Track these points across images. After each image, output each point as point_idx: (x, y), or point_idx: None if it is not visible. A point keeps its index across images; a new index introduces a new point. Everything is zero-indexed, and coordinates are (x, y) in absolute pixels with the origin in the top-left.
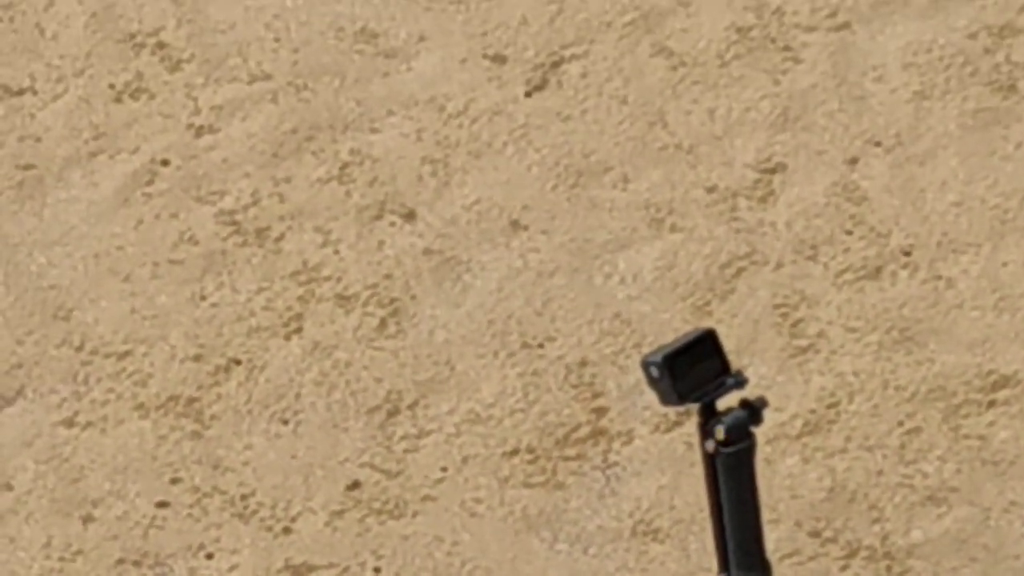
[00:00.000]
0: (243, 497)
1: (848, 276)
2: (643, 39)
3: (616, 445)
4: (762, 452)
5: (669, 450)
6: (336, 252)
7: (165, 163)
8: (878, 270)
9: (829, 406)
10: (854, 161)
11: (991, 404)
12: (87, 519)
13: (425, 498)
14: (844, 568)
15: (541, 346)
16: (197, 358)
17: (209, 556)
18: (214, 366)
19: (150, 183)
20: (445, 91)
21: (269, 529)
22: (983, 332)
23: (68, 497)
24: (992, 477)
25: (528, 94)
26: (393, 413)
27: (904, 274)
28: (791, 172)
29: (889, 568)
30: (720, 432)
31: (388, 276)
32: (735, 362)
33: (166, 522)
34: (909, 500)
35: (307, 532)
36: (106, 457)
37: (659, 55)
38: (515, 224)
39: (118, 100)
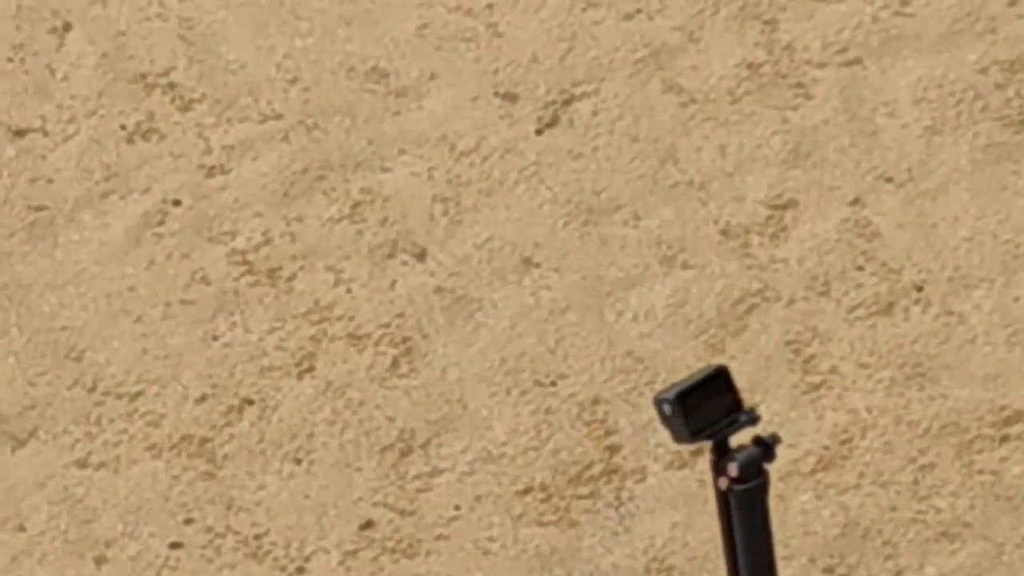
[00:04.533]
0: (256, 537)
1: (860, 312)
2: (654, 76)
3: (629, 483)
4: (775, 489)
5: (682, 487)
6: (348, 291)
7: (177, 203)
8: (890, 306)
9: (842, 442)
10: (866, 197)
11: (1004, 439)
12: (100, 560)
13: (438, 537)
14: None
15: (554, 384)
16: (210, 398)
17: None
18: (227, 406)
19: (161, 223)
20: (456, 129)
21: (283, 569)
22: (996, 367)
23: (81, 538)
24: (1006, 512)
25: (539, 132)
26: (406, 452)
27: (916, 310)
28: (802, 208)
29: None
30: (733, 469)
31: (400, 315)
32: (748, 399)
33: (179, 563)
34: (923, 536)
35: (320, 572)
36: (119, 498)
37: (670, 92)
38: (527, 262)
39: (129, 140)
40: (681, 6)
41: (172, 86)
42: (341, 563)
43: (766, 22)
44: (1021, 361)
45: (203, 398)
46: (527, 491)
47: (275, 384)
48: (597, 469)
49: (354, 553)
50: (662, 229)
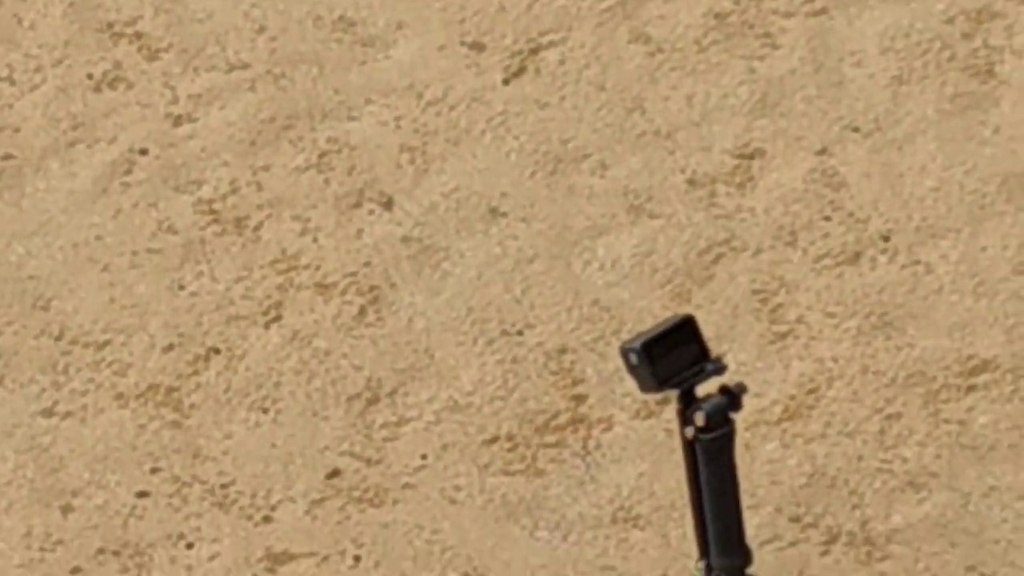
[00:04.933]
0: (223, 486)
1: (827, 262)
2: (621, 25)
3: (596, 432)
4: (741, 438)
5: (649, 437)
6: (315, 241)
7: (143, 152)
8: (857, 255)
9: (808, 392)
10: (832, 147)
11: (970, 389)
12: (66, 509)
13: (405, 486)
14: (824, 554)
15: (520, 333)
16: (176, 347)
17: (189, 545)
18: (193, 355)
19: (128, 172)
20: (423, 78)
21: (249, 518)
22: (962, 317)
23: (48, 487)
24: (972, 462)
25: (506, 81)
26: (372, 401)
27: (883, 259)
28: (769, 158)
29: (869, 554)
30: (700, 418)
31: (367, 264)
32: (714, 348)
33: (146, 512)
34: (889, 485)
35: (287, 521)
36: (86, 447)
37: (637, 41)
38: (494, 211)
39: (96, 90)
40: None
41: (139, 35)
42: (307, 512)
43: None
44: (988, 311)
45: (170, 347)
46: (493, 440)
47: (242, 333)
48: (564, 418)
49: (320, 502)
50: (629, 179)
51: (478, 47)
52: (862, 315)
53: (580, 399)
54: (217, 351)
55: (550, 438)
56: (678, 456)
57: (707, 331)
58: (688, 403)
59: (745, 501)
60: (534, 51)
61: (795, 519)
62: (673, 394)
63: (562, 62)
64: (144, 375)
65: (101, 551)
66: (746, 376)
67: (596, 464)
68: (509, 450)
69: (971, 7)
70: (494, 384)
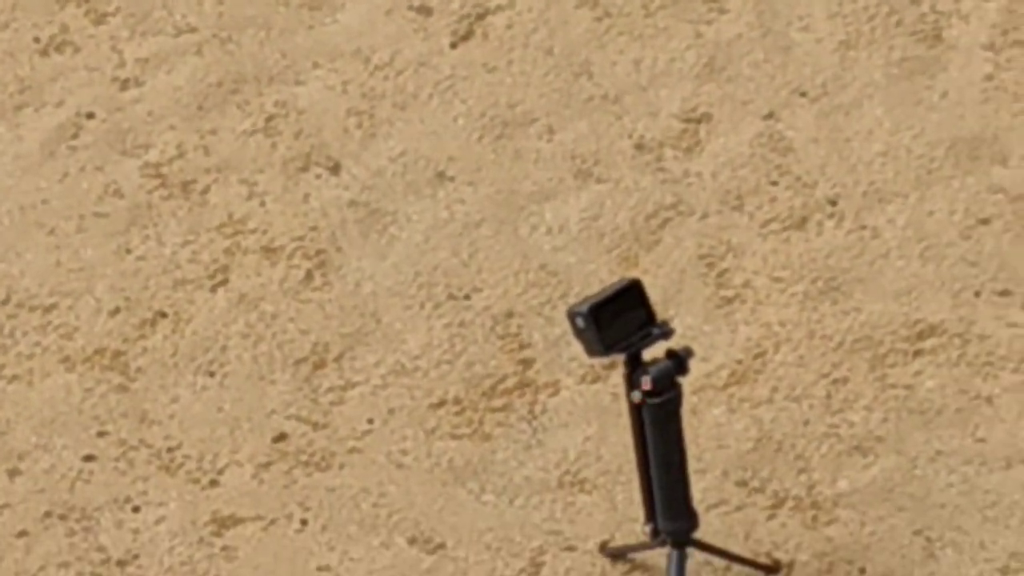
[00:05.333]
0: (169, 450)
1: (774, 226)
2: None
3: (542, 396)
4: (688, 402)
5: (595, 401)
6: (262, 204)
7: (90, 116)
8: (804, 220)
9: (755, 356)
10: (780, 111)
11: (917, 353)
12: (13, 473)
13: (351, 450)
14: (771, 518)
15: (467, 297)
16: (123, 311)
17: (135, 509)
18: (140, 319)
19: (75, 136)
20: (370, 43)
21: (196, 482)
22: (909, 281)
23: None
24: (919, 426)
25: (453, 45)
26: (319, 365)
27: (830, 224)
28: (716, 122)
29: (816, 518)
30: (646, 382)
31: (314, 228)
32: (661, 312)
33: (92, 475)
34: (835, 450)
35: (233, 484)
36: (32, 410)
37: (584, 6)
38: (441, 175)
39: (43, 53)
40: None
41: None
42: (254, 476)
43: None
44: (934, 275)
45: (116, 311)
46: (440, 404)
47: (188, 297)
48: (510, 382)
49: (267, 466)
50: (576, 143)
51: (425, 11)
52: (809, 280)
53: (527, 363)
54: (164, 315)
55: (497, 402)
56: (625, 420)
57: (654, 295)
58: (635, 367)
59: (692, 465)
60: (481, 16)
61: (742, 483)
62: (620, 358)
63: (509, 27)
64: (91, 339)
65: (48, 514)
66: (693, 340)
67: (543, 428)
68: (456, 414)
69: None
70: (441, 348)
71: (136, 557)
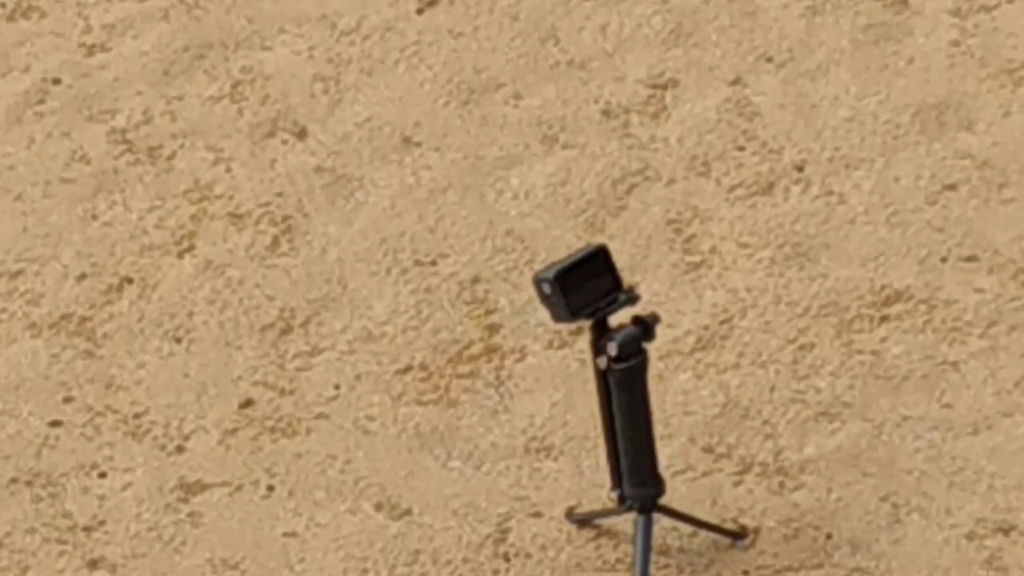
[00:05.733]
0: (136, 416)
1: (740, 192)
2: None
3: (509, 362)
4: (655, 368)
5: (562, 367)
6: (228, 170)
7: (57, 82)
8: (770, 186)
9: (722, 322)
10: (746, 76)
11: (883, 319)
12: None
13: (318, 416)
14: (737, 484)
15: (434, 263)
16: (89, 276)
17: (102, 475)
18: (107, 285)
19: (42, 102)
20: (336, 8)
21: (162, 448)
22: (875, 247)
23: None
24: (885, 392)
25: (420, 11)
26: (286, 331)
27: (796, 189)
28: (683, 88)
29: (782, 484)
30: (612, 348)
31: (280, 194)
32: (627, 278)
33: (59, 441)
34: (802, 416)
35: (200, 450)
36: None
37: None
38: (407, 141)
39: (10, 19)
40: None
41: None
42: (220, 442)
43: None
44: (900, 241)
45: (83, 276)
46: (407, 370)
47: (155, 263)
48: (477, 348)
49: (233, 432)
50: (543, 108)
51: None
52: (775, 245)
53: (493, 329)
54: (130, 281)
55: (463, 368)
56: (591, 386)
57: (620, 261)
58: (601, 333)
59: (658, 431)
60: None
61: (708, 449)
62: (586, 324)
63: None
64: (57, 304)
65: (14, 480)
66: (659, 306)
67: (509, 394)
68: (422, 380)
69: None
70: (407, 314)
71: (102, 523)
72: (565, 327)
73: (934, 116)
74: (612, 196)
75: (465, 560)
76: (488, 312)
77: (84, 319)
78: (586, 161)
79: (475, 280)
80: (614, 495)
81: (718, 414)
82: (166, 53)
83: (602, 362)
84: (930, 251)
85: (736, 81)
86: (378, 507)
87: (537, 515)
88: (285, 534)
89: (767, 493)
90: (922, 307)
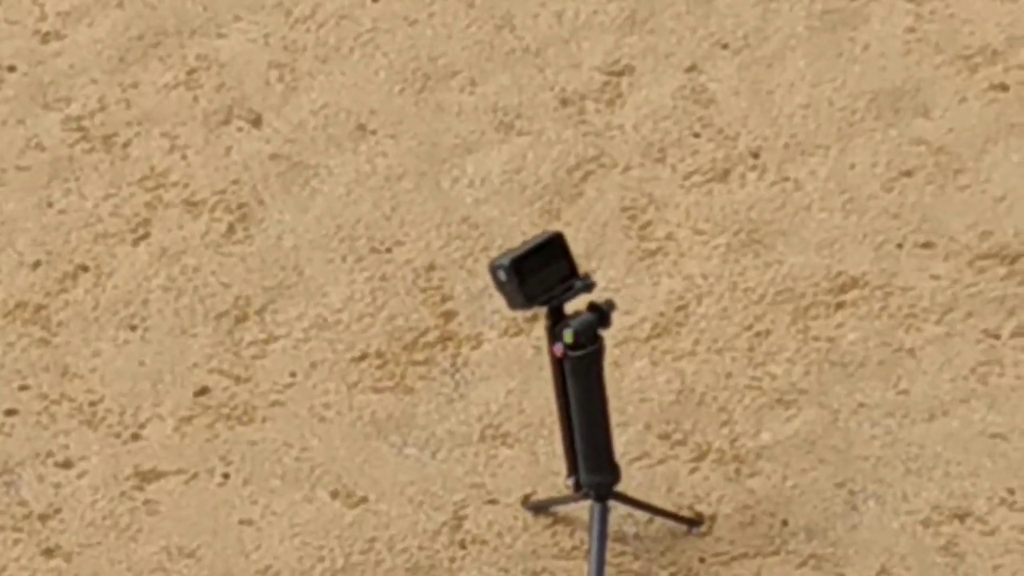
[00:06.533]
0: (91, 404)
1: (696, 178)
2: None
3: (465, 349)
4: (610, 355)
5: (518, 354)
6: (183, 158)
7: (11, 69)
8: (726, 172)
9: (677, 309)
10: (702, 63)
11: (839, 306)
12: None
13: (274, 403)
14: (693, 471)
15: (389, 250)
16: (44, 264)
17: (58, 463)
18: (61, 272)
19: None
20: None
21: (117, 436)
22: (831, 234)
23: None
24: (841, 379)
25: None
26: (241, 319)
27: (752, 176)
28: (639, 75)
29: (738, 471)
30: (568, 335)
31: (236, 181)
32: (583, 265)
33: (14, 429)
34: (758, 402)
35: (155, 438)
36: None
37: None
38: (362, 128)
39: None
40: None
41: None
42: (176, 429)
43: None
44: (856, 227)
45: (37, 264)
46: (363, 358)
47: (110, 250)
48: (432, 336)
49: (189, 419)
50: (498, 95)
51: None
52: (731, 232)
53: (449, 316)
54: (85, 268)
55: (419, 355)
56: (547, 374)
57: (576, 248)
58: (557, 320)
59: (614, 418)
60: None
61: (664, 436)
62: (542, 311)
63: None
64: (12, 292)
65: None
66: (615, 293)
67: (465, 381)
68: (378, 367)
69: None
70: (363, 301)
71: (58, 511)
72: (521, 314)
73: (890, 102)
74: (568, 183)
75: (421, 547)
76: (444, 299)
77: (39, 307)
78: (542, 148)
79: (430, 267)
80: (570, 482)
81: (674, 401)
82: (121, 40)
83: (558, 349)
84: (886, 237)
85: (692, 68)
86: (334, 495)
87: (493, 502)
88: (241, 522)
89: (723, 480)
90: (878, 293)
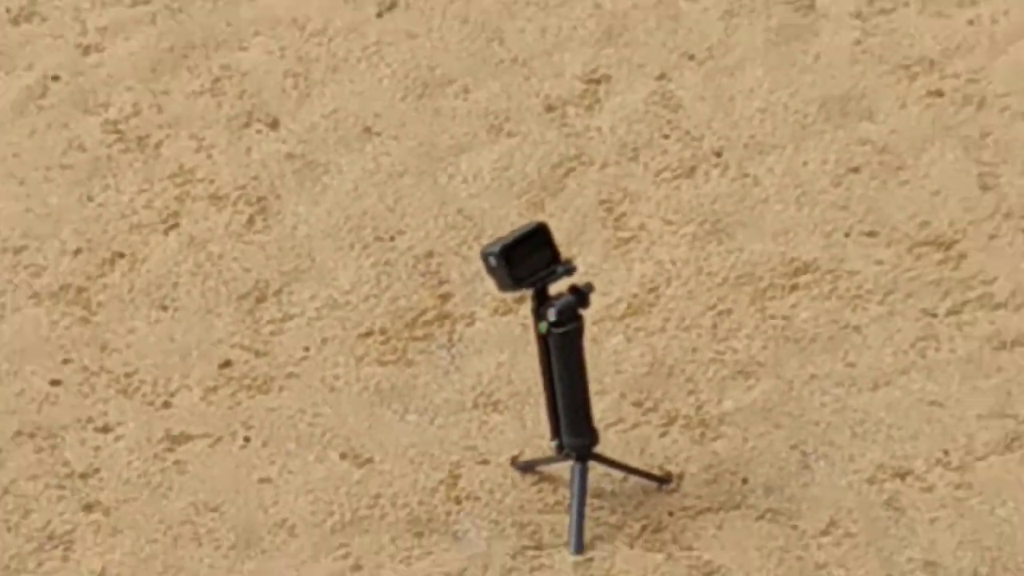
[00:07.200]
0: (127, 375)
1: (666, 175)
2: None
3: (459, 327)
4: (590, 332)
5: (507, 331)
6: (209, 157)
7: (56, 79)
8: (692, 169)
9: (649, 291)
10: (671, 72)
11: (793, 288)
12: None
13: (289, 375)
14: (663, 435)
15: (392, 239)
16: (85, 252)
17: (97, 428)
18: (101, 259)
19: (43, 97)
20: (305, 12)
21: (151, 403)
22: (786, 224)
23: None
24: (795, 353)
25: (379, 15)
26: (261, 300)
27: (715, 173)
28: (614, 83)
29: (703, 434)
30: (552, 314)
31: (255, 178)
32: (565, 252)
33: (59, 398)
34: (721, 374)
35: (184, 406)
36: (3, 341)
37: None
38: (368, 131)
39: (14, 23)
40: None
41: None
42: (203, 398)
43: None
44: (808, 218)
45: (79, 252)
46: (368, 334)
47: (144, 239)
48: (431, 315)
49: (214, 389)
50: (489, 101)
51: None
52: (697, 222)
53: (445, 298)
54: (122, 255)
55: (419, 332)
56: (533, 348)
57: (559, 237)
58: (542, 301)
59: (593, 388)
60: None
61: (637, 404)
62: (528, 293)
63: None
64: (56, 277)
65: (18, 433)
66: (594, 277)
67: (460, 355)
68: (382, 343)
69: None
70: (369, 284)
71: (97, 471)
72: (509, 296)
73: (838, 107)
74: (551, 179)
75: (420, 503)
76: (440, 283)
77: (81, 290)
78: (528, 148)
79: (429, 254)
80: (553, 445)
81: (646, 372)
82: (153, 53)
83: (542, 327)
84: (835, 227)
85: (662, 76)
86: (343, 456)
87: (485, 463)
88: (260, 480)
89: (689, 443)
90: (828, 277)
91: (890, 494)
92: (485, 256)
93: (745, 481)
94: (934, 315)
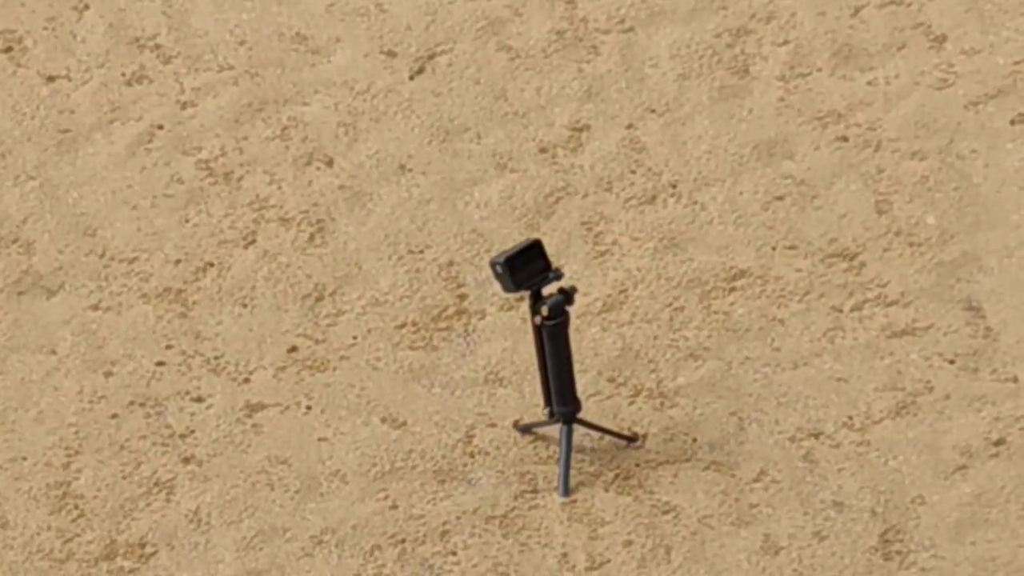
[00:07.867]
0: (216, 358)
1: (633, 202)
2: (491, 39)
3: (473, 320)
4: (574, 324)
5: (510, 323)
6: (279, 188)
7: (160, 127)
8: (653, 198)
9: (620, 292)
10: (637, 123)
11: (732, 290)
12: (108, 374)
13: (342, 358)
14: (631, 404)
15: (421, 252)
16: (183, 262)
17: (193, 399)
18: (195, 267)
19: (150, 142)
20: (354, 76)
21: (234, 379)
22: (726, 240)
23: (94, 359)
24: (733, 340)
25: (411, 78)
26: (319, 299)
27: (672, 200)
28: (593, 130)
29: (662, 404)
30: (544, 310)
31: (315, 204)
32: (555, 262)
33: (162, 376)
34: (675, 357)
35: (260, 381)
36: (120, 331)
37: (502, 50)
38: (403, 168)
39: (128, 84)
40: None
41: (157, 46)
42: (274, 376)
43: (568, 2)
44: (744, 236)
45: (178, 261)
46: (403, 326)
47: (228, 252)
48: (451, 311)
49: (283, 368)
50: (496, 145)
51: (391, 54)
52: (657, 239)
53: (463, 297)
54: (211, 264)
55: (442, 324)
56: (530, 337)
57: (550, 250)
58: (537, 300)
59: (576, 367)
60: (431, 57)
61: (611, 380)
62: (527, 294)
63: (450, 65)
64: (160, 281)
65: (132, 403)
66: (577, 281)
67: (474, 342)
68: (414, 332)
69: (733, 25)
70: (403, 287)
71: (193, 431)
72: (512, 296)
73: (767, 150)
74: (544, 205)
75: (444, 456)
76: (459, 286)
77: (179, 291)
78: (526, 181)
79: (450, 263)
80: (546, 412)
81: (618, 356)
82: (236, 107)
83: (537, 320)
84: (764, 242)
85: (630, 126)
86: (383, 420)
87: (493, 426)
88: (319, 439)
89: (651, 411)
90: (759, 281)
91: (807, 450)
92: (493, 265)
93: (695, 440)
94: (841, 311)
